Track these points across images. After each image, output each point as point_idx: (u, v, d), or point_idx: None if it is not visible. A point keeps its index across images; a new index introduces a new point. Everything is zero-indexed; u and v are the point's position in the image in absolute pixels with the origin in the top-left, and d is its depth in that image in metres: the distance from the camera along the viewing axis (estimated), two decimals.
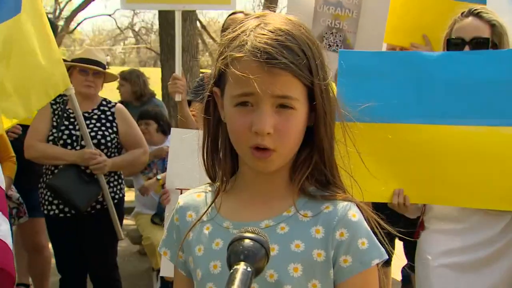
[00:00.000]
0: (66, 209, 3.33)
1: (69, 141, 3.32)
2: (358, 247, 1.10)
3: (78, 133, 3.33)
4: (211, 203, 1.20)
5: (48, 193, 3.35)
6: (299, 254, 1.10)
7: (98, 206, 3.39)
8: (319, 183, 1.17)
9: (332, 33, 3.02)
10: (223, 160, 1.20)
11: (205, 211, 1.19)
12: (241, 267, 0.83)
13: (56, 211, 3.35)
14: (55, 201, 3.34)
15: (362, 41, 3.00)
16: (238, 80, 1.06)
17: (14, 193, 3.56)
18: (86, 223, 3.38)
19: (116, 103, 3.60)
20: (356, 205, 1.15)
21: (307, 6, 3.00)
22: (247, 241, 0.88)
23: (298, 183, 1.14)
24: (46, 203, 3.37)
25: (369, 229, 1.13)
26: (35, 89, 3.00)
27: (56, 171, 3.33)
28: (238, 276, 0.81)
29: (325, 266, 1.10)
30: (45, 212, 3.39)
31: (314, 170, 1.16)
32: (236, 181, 1.20)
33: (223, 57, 1.10)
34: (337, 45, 3.01)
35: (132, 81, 5.55)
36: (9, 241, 1.90)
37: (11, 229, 3.41)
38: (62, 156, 3.29)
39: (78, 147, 3.32)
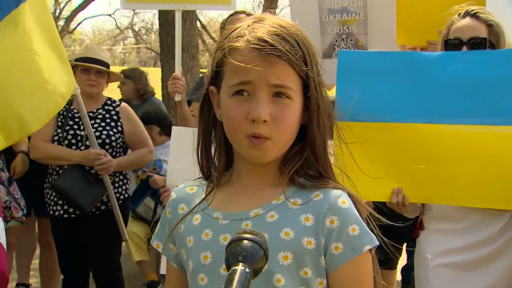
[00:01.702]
0: (71, 210, 3.33)
1: (74, 141, 3.33)
2: (349, 234, 1.11)
3: (82, 133, 3.34)
4: (204, 198, 1.21)
5: (53, 194, 3.35)
6: (288, 242, 1.11)
7: (103, 207, 3.40)
8: (308, 176, 1.18)
9: (342, 39, 3.02)
10: (218, 158, 1.22)
11: (197, 204, 1.21)
12: (240, 268, 0.84)
13: (61, 212, 3.35)
14: (60, 202, 3.34)
15: (374, 40, 2.98)
16: (235, 70, 1.09)
17: (3, 195, 3.51)
18: (90, 223, 3.38)
19: (121, 103, 3.59)
20: (348, 193, 1.16)
21: (311, 18, 2.99)
22: (245, 242, 0.88)
23: (287, 174, 1.16)
24: (52, 203, 3.37)
25: (359, 216, 1.14)
26: (40, 103, 2.97)
27: (60, 171, 3.33)
28: (236, 277, 0.82)
29: (315, 254, 1.11)
30: (51, 212, 3.39)
31: (304, 164, 1.17)
32: (229, 176, 1.22)
33: (220, 48, 1.13)
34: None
35: (135, 79, 5.54)
36: (2, 240, 1.89)
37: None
38: (67, 156, 3.29)
39: (83, 147, 3.33)
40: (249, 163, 1.16)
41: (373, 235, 1.13)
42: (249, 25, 1.12)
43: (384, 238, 1.20)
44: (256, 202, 1.16)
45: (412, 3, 3.09)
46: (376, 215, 1.18)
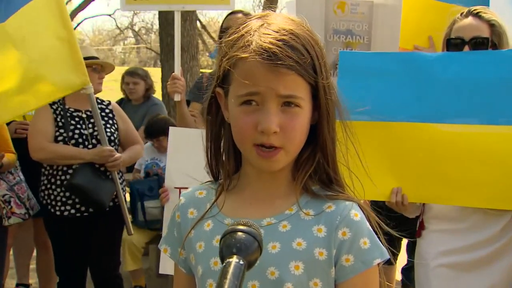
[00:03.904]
0: (83, 208, 3.31)
1: (80, 140, 3.32)
2: (360, 247, 1.11)
3: (86, 132, 3.35)
4: (214, 202, 1.20)
5: (62, 193, 3.29)
6: (300, 252, 1.10)
7: (111, 204, 3.40)
8: (321, 182, 1.17)
9: None
10: (226, 160, 1.21)
11: (208, 209, 1.20)
12: (234, 260, 0.83)
13: (72, 211, 3.30)
14: (70, 201, 3.29)
15: None
16: (243, 80, 1.07)
17: (3, 189, 3.46)
18: (99, 221, 3.37)
19: (109, 102, 3.62)
20: (358, 205, 1.16)
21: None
22: (239, 234, 0.87)
23: (301, 182, 1.15)
24: (59, 203, 3.30)
25: (370, 228, 1.14)
26: (50, 82, 3.02)
27: (70, 171, 3.29)
28: (231, 270, 0.81)
29: (326, 265, 1.11)
30: (57, 213, 3.31)
31: (316, 168, 1.16)
32: (238, 180, 1.21)
33: (227, 57, 1.11)
34: None
35: (147, 78, 5.57)
36: None
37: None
38: (79, 155, 3.28)
39: (90, 146, 3.34)
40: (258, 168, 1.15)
41: (383, 248, 1.13)
42: (255, 31, 1.09)
43: (393, 232, 1.20)
44: (268, 211, 1.15)
45: (408, 11, 3.09)
46: (385, 226, 1.18)
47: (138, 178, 4.66)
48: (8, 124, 3.55)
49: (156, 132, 4.63)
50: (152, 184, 4.45)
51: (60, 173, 3.32)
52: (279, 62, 1.04)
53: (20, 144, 3.54)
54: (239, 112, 1.10)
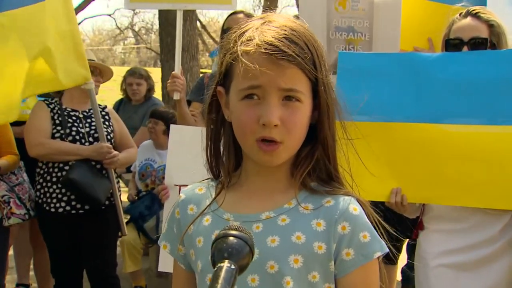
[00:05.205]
0: (78, 205, 3.31)
1: (77, 137, 3.34)
2: (360, 240, 1.12)
3: (83, 130, 3.38)
4: (214, 199, 1.21)
5: (57, 190, 3.29)
6: (299, 246, 1.11)
7: (107, 202, 3.40)
8: (320, 180, 1.19)
9: None
10: (227, 159, 1.22)
11: (207, 206, 1.21)
12: (225, 265, 0.84)
13: (67, 208, 3.29)
14: (65, 198, 3.29)
15: None
16: (245, 74, 1.09)
17: (2, 190, 3.46)
18: (94, 219, 3.37)
19: (105, 106, 3.65)
20: (357, 199, 1.17)
21: (319, 34, 3.01)
22: (231, 238, 0.88)
23: (299, 178, 1.16)
24: (54, 200, 3.30)
25: (369, 222, 1.15)
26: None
27: (66, 167, 3.29)
28: (222, 274, 0.82)
29: (325, 259, 1.12)
30: (52, 210, 3.30)
31: (315, 166, 1.18)
32: (238, 177, 1.22)
33: (230, 52, 1.12)
34: None
35: (149, 79, 5.59)
36: None
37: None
38: (77, 151, 3.29)
39: (87, 144, 3.35)
40: (258, 165, 1.16)
41: (383, 241, 1.15)
42: (257, 28, 1.11)
43: (389, 229, 1.21)
44: (267, 205, 1.17)
45: (409, 11, 3.09)
46: (383, 222, 1.19)
47: (130, 200, 4.70)
48: (12, 125, 3.55)
49: (159, 114, 4.68)
50: (146, 202, 4.49)
51: (56, 169, 3.32)
52: (281, 55, 1.06)
53: (22, 144, 3.54)
54: (241, 106, 1.11)
